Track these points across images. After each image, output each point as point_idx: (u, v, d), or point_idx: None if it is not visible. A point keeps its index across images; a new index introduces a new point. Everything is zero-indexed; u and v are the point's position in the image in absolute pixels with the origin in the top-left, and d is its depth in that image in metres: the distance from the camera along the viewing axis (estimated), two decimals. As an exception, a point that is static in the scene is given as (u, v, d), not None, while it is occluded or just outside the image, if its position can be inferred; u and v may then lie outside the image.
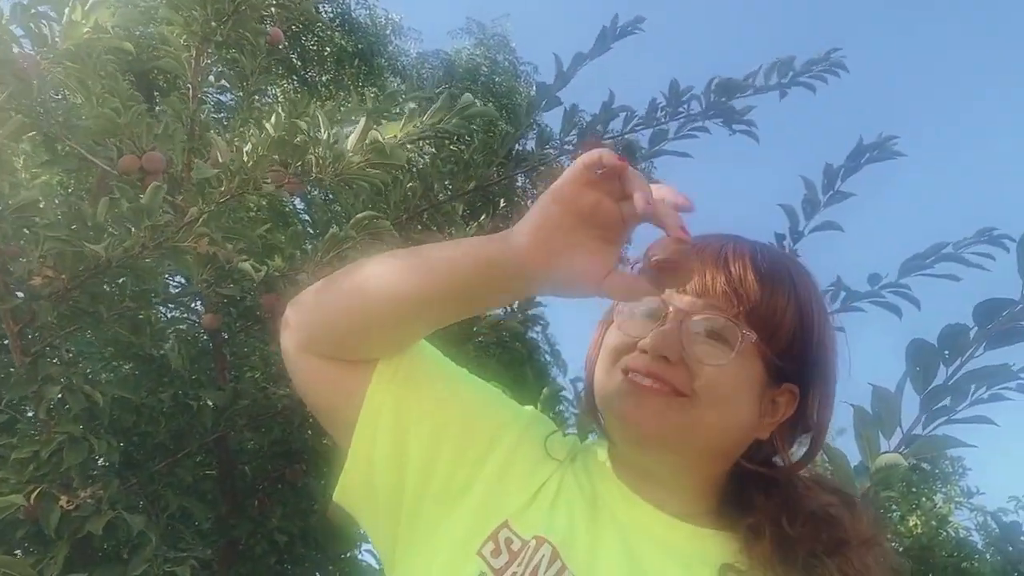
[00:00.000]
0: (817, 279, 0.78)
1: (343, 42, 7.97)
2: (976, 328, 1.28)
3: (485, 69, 10.15)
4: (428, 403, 0.75)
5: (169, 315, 2.16)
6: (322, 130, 1.54)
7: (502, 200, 3.09)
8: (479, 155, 2.21)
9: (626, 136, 2.56)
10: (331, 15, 8.02)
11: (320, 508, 2.14)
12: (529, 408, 0.83)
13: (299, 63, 7.78)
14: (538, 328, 2.67)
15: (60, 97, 2.29)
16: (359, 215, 1.86)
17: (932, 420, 1.34)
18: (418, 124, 1.65)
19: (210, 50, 1.88)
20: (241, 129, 2.19)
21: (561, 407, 2.14)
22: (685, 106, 2.39)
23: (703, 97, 2.37)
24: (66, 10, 1.70)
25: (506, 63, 10.51)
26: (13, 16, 1.59)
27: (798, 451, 0.76)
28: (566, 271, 0.62)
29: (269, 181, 1.48)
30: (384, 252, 0.74)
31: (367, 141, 1.51)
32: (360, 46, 8.12)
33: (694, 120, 2.45)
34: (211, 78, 1.93)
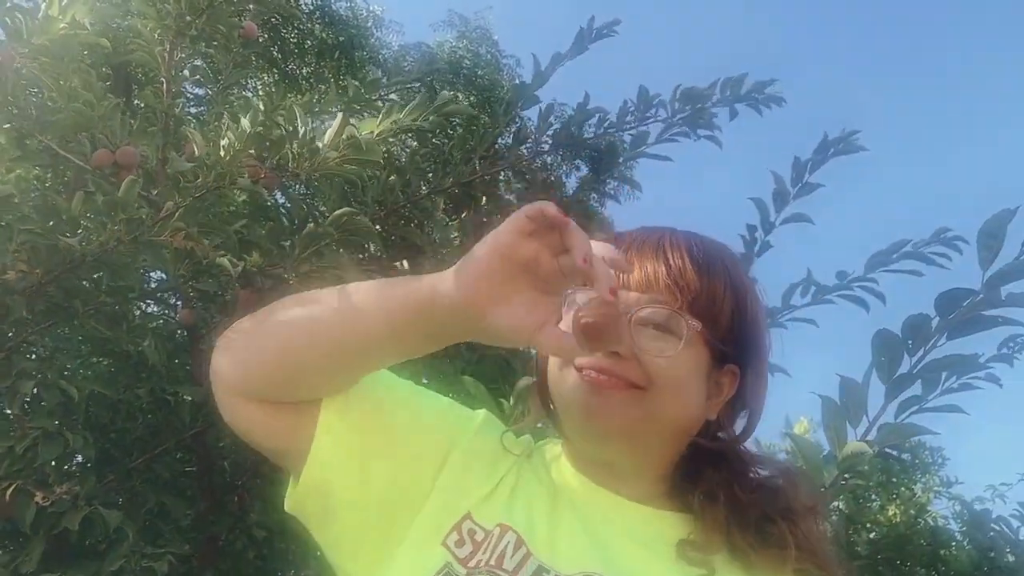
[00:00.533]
0: (740, 261, 0.83)
1: (324, 35, 7.92)
2: (938, 318, 1.31)
3: (467, 62, 10.13)
4: (380, 430, 0.75)
5: (146, 311, 2.15)
6: (299, 124, 1.54)
7: (483, 196, 3.11)
8: (459, 151, 2.23)
9: (600, 136, 2.61)
10: (311, 7, 7.97)
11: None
12: (481, 411, 0.84)
13: (279, 56, 7.72)
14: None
15: (34, 92, 2.27)
16: (337, 212, 1.87)
17: (903, 410, 1.38)
18: (396, 120, 1.65)
19: (184, 44, 1.88)
20: (216, 123, 2.18)
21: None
22: (653, 111, 2.44)
23: (669, 104, 2.43)
24: (42, 5, 1.69)
25: (488, 56, 10.50)
26: (-14, 10, 1.57)
27: (738, 425, 0.80)
28: (501, 321, 0.61)
29: (246, 176, 1.48)
30: (311, 290, 0.73)
31: (343, 137, 1.51)
32: (341, 39, 8.07)
33: (672, 125, 2.52)
34: (186, 72, 1.91)
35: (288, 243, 1.86)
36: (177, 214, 1.44)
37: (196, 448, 2.09)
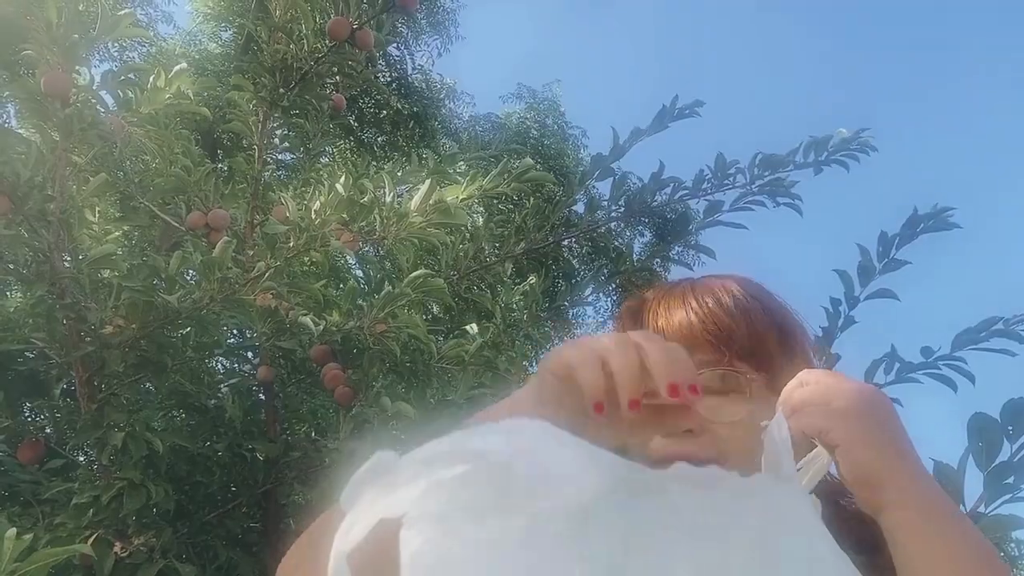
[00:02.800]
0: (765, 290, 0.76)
1: (399, 105, 8.26)
2: (1040, 403, 1.22)
3: (535, 132, 10.40)
4: None
5: (224, 367, 2.21)
6: (387, 191, 1.60)
7: (551, 261, 3.13)
8: (532, 219, 2.26)
9: (671, 204, 2.61)
10: (388, 79, 8.35)
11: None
12: None
13: (356, 124, 8.07)
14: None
15: (136, 158, 2.43)
16: (413, 273, 1.91)
17: (993, 498, 1.29)
18: (480, 187, 1.70)
19: (277, 115, 1.98)
20: (302, 189, 2.27)
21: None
22: (731, 178, 2.43)
23: (748, 171, 2.41)
24: (151, 77, 1.83)
25: (555, 126, 10.75)
26: (103, 82, 1.71)
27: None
28: None
29: (336, 239, 1.54)
30: None
31: (431, 201, 1.56)
32: (415, 109, 8.40)
33: (749, 193, 2.51)
34: (276, 140, 2.02)
35: (366, 303, 1.90)
36: (267, 274, 1.49)
37: (265, 506, 2.11)
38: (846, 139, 2.43)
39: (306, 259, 2.18)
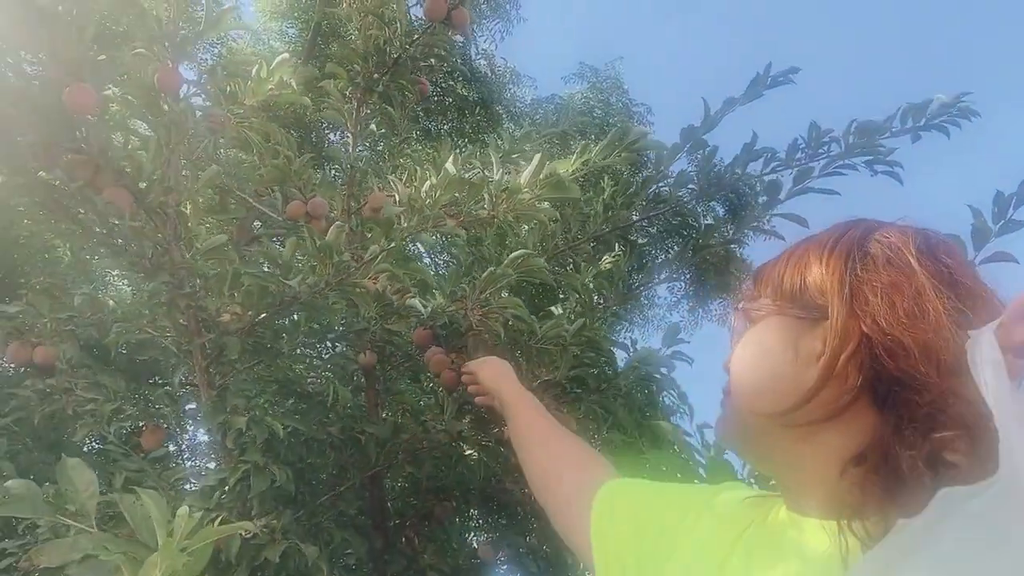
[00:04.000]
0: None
1: (464, 91, 8.26)
2: None
3: (599, 112, 10.25)
4: (628, 542, 0.80)
5: (326, 352, 2.25)
6: (494, 167, 1.58)
7: (637, 238, 3.07)
8: (620, 197, 2.21)
9: (766, 177, 2.52)
10: (452, 66, 8.36)
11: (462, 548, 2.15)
12: (717, 486, 0.81)
13: (422, 113, 8.12)
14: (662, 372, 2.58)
15: (230, 150, 2.48)
16: (514, 254, 1.90)
17: None
18: (587, 160, 1.66)
19: (371, 100, 1.99)
20: (392, 176, 2.28)
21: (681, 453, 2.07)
22: (825, 148, 2.33)
23: (843, 139, 2.31)
24: (253, 69, 1.86)
25: (619, 105, 10.58)
26: (210, 76, 1.74)
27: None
28: None
29: (446, 220, 1.53)
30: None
31: (542, 175, 1.53)
32: (480, 95, 8.39)
33: (831, 160, 2.41)
34: (372, 127, 2.03)
35: (468, 285, 1.89)
36: (380, 257, 1.50)
37: (371, 488, 2.15)
38: (945, 104, 2.31)
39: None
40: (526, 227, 2.35)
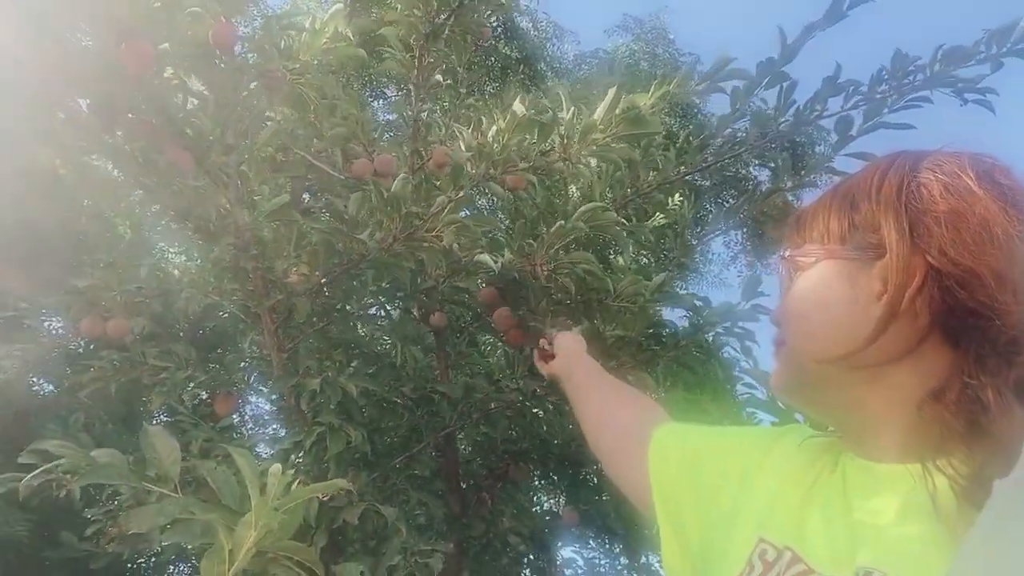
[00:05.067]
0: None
1: (506, 50, 8.08)
2: None
3: (645, 64, 9.95)
4: (686, 482, 0.79)
5: (396, 313, 2.20)
6: (564, 106, 1.48)
7: (702, 182, 2.94)
8: (695, 138, 2.08)
9: (848, 111, 2.35)
10: (494, 24, 8.17)
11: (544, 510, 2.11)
12: (776, 429, 0.79)
13: (463, 72, 7.99)
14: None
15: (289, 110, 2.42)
16: (584, 206, 1.80)
17: None
18: (666, 94, 1.55)
19: (434, 48, 1.90)
20: (455, 125, 2.19)
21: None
22: (911, 78, 2.15)
23: (928, 67, 2.12)
24: (307, 22, 1.78)
25: (666, 55, 10.25)
26: (266, 31, 1.68)
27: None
28: None
29: (519, 164, 1.45)
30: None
31: (618, 111, 1.43)
32: (523, 53, 8.21)
33: (915, 90, 2.23)
34: (438, 77, 1.93)
35: (536, 241, 1.81)
36: (448, 208, 1.43)
37: (445, 449, 2.12)
38: (1026, 28, 2.11)
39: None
40: (594, 173, 2.23)
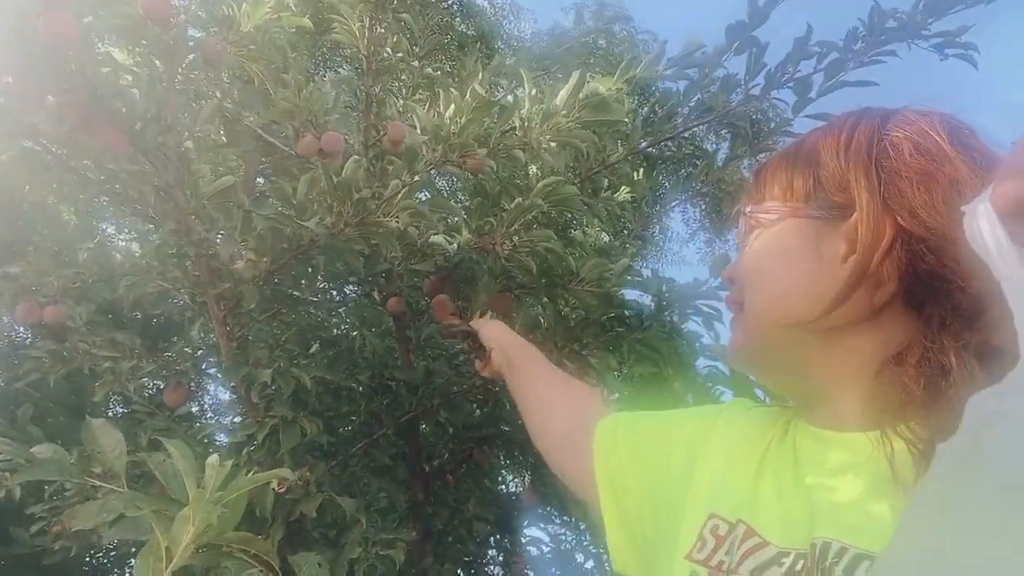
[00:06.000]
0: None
1: (463, 28, 7.94)
2: None
3: (602, 42, 9.89)
4: (632, 469, 0.78)
5: (351, 296, 2.14)
6: (525, 86, 1.42)
7: (660, 152, 2.91)
8: (661, 107, 2.04)
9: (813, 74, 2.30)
10: (450, 1, 8.02)
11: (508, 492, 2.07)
12: (718, 405, 0.79)
13: (418, 50, 7.82)
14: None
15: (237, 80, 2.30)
16: (543, 181, 1.75)
17: None
18: (634, 75, 1.50)
19: (385, 17, 1.81)
20: (409, 100, 2.11)
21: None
22: (888, 35, 2.09)
23: (909, 18, 2.07)
24: (247, -9, 1.69)
25: (623, 33, 10.20)
26: (205, 0, 1.58)
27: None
28: None
29: (476, 147, 1.39)
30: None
31: (581, 95, 1.37)
32: (479, 30, 8.08)
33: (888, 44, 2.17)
34: (388, 50, 1.85)
35: (495, 219, 1.76)
36: (401, 193, 1.36)
37: (407, 435, 2.06)
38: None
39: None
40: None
